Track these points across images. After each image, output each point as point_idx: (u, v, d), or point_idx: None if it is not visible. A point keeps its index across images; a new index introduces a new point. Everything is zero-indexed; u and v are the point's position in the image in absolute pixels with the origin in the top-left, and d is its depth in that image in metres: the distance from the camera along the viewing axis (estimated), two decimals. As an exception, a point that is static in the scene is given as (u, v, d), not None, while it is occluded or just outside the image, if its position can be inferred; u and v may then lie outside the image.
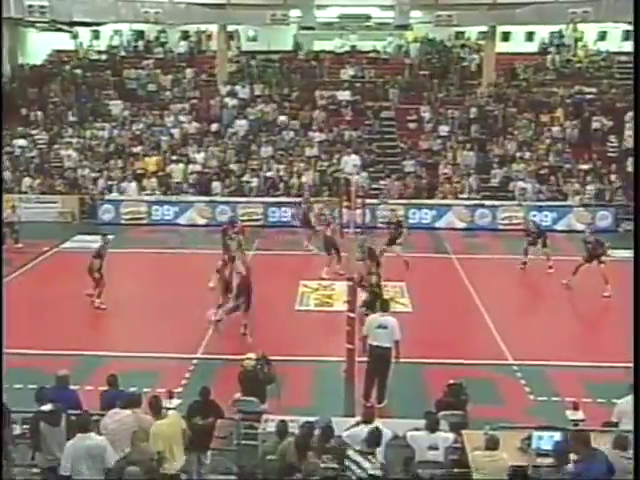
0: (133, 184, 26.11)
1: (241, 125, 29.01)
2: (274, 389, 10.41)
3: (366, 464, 7.83)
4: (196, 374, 12.73)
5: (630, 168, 26.41)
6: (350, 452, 8.00)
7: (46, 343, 13.76)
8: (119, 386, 9.46)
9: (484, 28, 31.29)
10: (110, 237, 17.13)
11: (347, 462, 7.88)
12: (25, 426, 8.72)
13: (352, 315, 12.49)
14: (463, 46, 34.11)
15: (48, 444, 8.24)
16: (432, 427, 8.62)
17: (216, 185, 26.16)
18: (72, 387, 9.58)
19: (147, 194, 25.99)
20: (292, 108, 30.21)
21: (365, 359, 11.87)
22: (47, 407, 8.40)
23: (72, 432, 8.00)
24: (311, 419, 8.59)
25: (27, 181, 26.41)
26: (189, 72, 32.53)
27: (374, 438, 8.12)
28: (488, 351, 13.97)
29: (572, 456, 7.90)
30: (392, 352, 11.54)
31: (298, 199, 24.22)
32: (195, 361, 13.46)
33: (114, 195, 25.91)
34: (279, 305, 16.38)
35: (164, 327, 15.04)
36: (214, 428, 9.02)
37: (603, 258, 17.52)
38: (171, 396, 10.02)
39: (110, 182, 26.32)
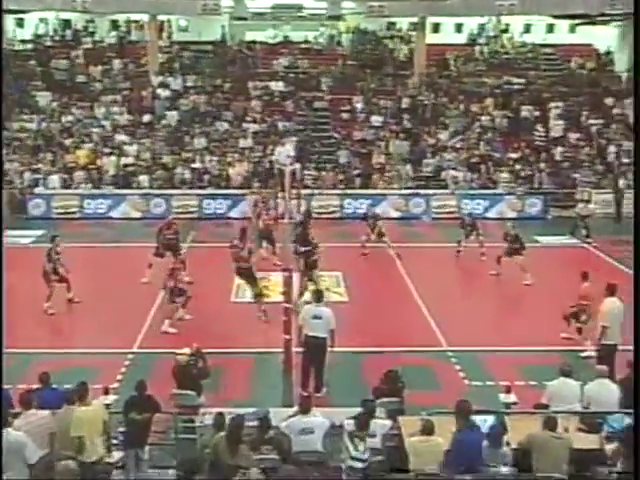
0: (55, 177, 25.53)
1: (172, 116, 28.69)
2: (210, 383, 10.37)
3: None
4: (132, 369, 12.58)
5: (558, 157, 27.20)
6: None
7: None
8: (51, 384, 9.29)
9: (415, 19, 31.63)
10: (57, 238, 16.54)
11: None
12: None
13: (288, 306, 12.53)
14: (394, 37, 34.44)
15: None
16: (369, 415, 8.72)
17: (145, 178, 25.81)
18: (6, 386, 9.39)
19: (77, 188, 25.46)
20: (225, 99, 30.00)
21: (302, 349, 11.95)
22: None
23: None
24: (241, 412, 8.60)
25: (-49, 175, 25.57)
26: (119, 63, 31.93)
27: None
28: (424, 338, 14.20)
29: (505, 438, 8.15)
30: (327, 341, 11.63)
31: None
32: (131, 356, 13.30)
33: (41, 189, 25.26)
34: (215, 297, 16.30)
35: (98, 322, 14.82)
36: (151, 423, 8.94)
37: (521, 252, 17.71)
38: (107, 392, 9.89)
39: (36, 175, 25.68)
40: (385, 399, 9.64)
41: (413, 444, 8.11)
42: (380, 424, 8.78)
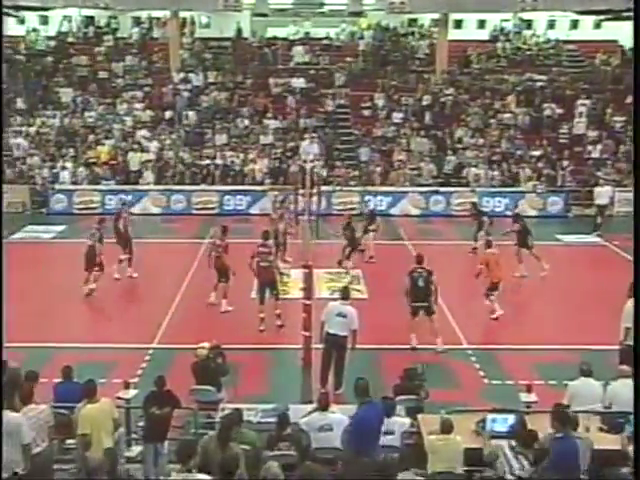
0: (66, 172, 25.73)
1: (193, 112, 28.76)
2: (229, 379, 10.39)
3: None
4: (152, 364, 12.66)
5: (580, 154, 26.98)
6: None
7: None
8: (73, 378, 9.36)
9: (437, 15, 31.49)
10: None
11: None
12: None
13: (308, 302, 12.53)
14: (416, 33, 34.29)
15: None
16: (389, 412, 8.71)
17: (168, 173, 25.92)
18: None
19: (98, 183, 25.66)
20: (246, 95, 30.04)
21: (320, 346, 11.95)
22: None
23: None
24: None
25: (-26, 171, 25.83)
26: (141, 59, 32.11)
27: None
28: (443, 336, 14.13)
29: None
30: (348, 340, 11.61)
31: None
32: (151, 351, 13.37)
33: (63, 185, 25.46)
34: (236, 293, 16.32)
35: (120, 317, 14.92)
36: (171, 418, 8.98)
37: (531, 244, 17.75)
38: (127, 386, 9.94)
39: (56, 171, 25.89)
40: (404, 397, 9.61)
41: (432, 442, 8.08)
42: (399, 422, 8.78)
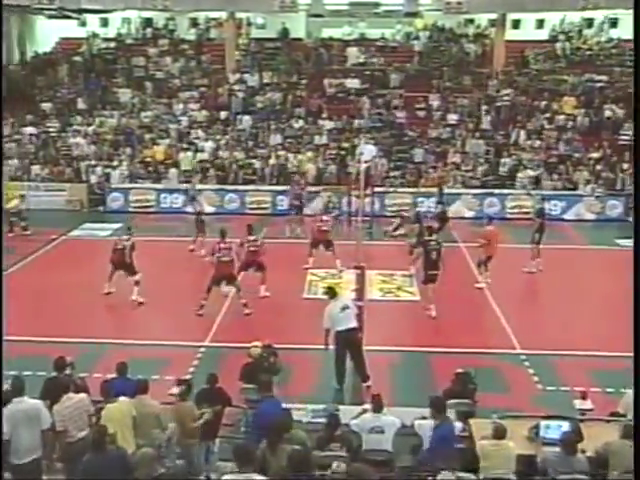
0: (117, 172, 26.12)
1: (248, 113, 28.95)
2: (280, 378, 10.40)
3: None
4: (204, 362, 12.76)
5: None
6: None
7: (54, 330, 13.81)
8: (127, 374, 9.48)
9: (494, 15, 31.08)
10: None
11: None
12: None
13: (360, 303, 12.49)
14: (472, 34, 33.85)
15: None
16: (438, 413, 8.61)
17: (219, 173, 26.16)
18: (82, 375, 9.64)
19: (154, 182, 26.04)
20: (300, 96, 30.12)
21: (371, 348, 11.92)
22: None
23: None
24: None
25: (35, 169, 26.45)
26: (198, 60, 32.48)
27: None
28: (496, 340, 13.96)
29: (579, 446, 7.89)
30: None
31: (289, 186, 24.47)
32: (203, 349, 13.49)
33: (119, 183, 25.93)
34: (287, 293, 16.39)
35: (172, 315, 15.08)
36: (222, 416, 9.03)
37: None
38: (179, 384, 10.02)
39: (108, 170, 26.32)
40: (456, 400, 9.50)
41: (484, 447, 7.96)
42: (450, 426, 8.67)
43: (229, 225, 22.05)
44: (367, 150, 25.72)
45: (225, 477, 6.91)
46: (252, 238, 16.26)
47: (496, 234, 17.33)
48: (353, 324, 11.71)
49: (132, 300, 15.73)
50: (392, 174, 26.08)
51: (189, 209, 22.31)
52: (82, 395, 8.52)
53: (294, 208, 22.91)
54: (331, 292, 12.26)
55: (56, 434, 8.15)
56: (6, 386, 8.80)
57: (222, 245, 15.22)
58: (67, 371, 9.27)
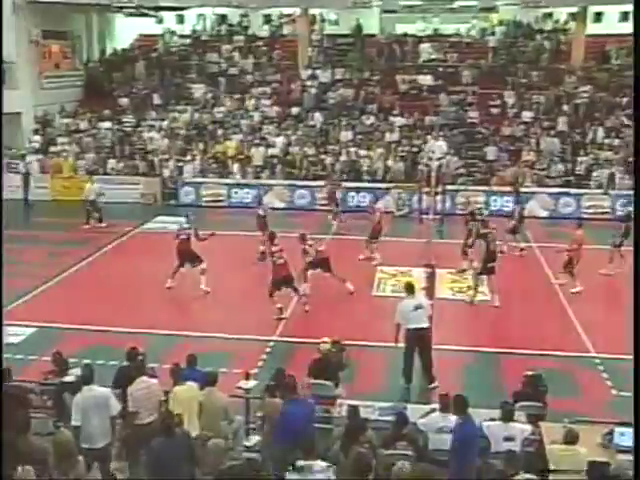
0: (188, 166, 26.44)
1: (319, 114, 28.96)
2: (347, 374, 10.39)
3: None
4: (272, 356, 12.85)
5: None
6: None
7: (126, 321, 14.12)
8: (196, 366, 9.61)
9: (575, 9, 30.21)
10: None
11: None
12: (45, 397, 9.04)
13: (430, 302, 12.37)
14: (551, 29, 33.05)
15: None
16: (507, 418, 8.46)
17: (294, 169, 26.29)
18: (152, 365, 9.83)
19: (226, 177, 26.33)
20: (373, 92, 30.00)
21: (440, 347, 11.79)
22: (69, 378, 8.90)
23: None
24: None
25: (111, 163, 27.08)
26: (271, 56, 32.72)
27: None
28: (569, 342, 13.63)
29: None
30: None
31: (323, 182, 24.61)
32: (272, 343, 13.57)
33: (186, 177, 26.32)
34: (356, 290, 16.35)
35: (242, 309, 15.22)
36: (288, 410, 9.05)
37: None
38: (247, 377, 10.10)
39: (179, 164, 26.70)
40: (526, 403, 9.31)
41: (554, 452, 7.78)
42: (520, 428, 8.51)
43: (299, 221, 22.31)
44: (437, 147, 25.55)
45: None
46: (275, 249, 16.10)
47: (584, 237, 17.12)
48: (424, 324, 11.63)
49: (202, 289, 15.97)
50: (463, 172, 25.70)
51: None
52: (154, 380, 8.78)
53: (330, 205, 23.26)
54: (409, 288, 12.18)
55: (129, 415, 8.42)
56: (75, 374, 9.10)
57: (274, 248, 15.02)
58: (138, 361, 9.47)
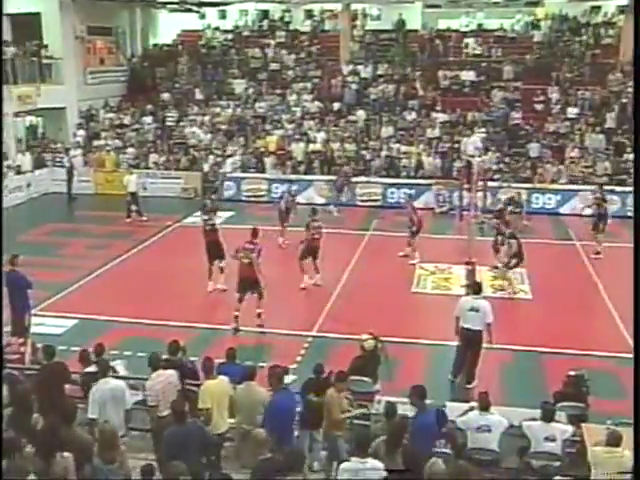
0: (229, 160, 26.52)
1: (360, 110, 28.86)
2: (385, 371, 10.33)
3: None
4: (311, 351, 12.85)
5: None
6: None
7: (166, 314, 14.23)
8: (236, 359, 9.65)
9: (624, 1, 29.57)
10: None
11: None
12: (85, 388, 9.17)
13: (488, 306, 12.23)
14: (599, 23, 32.39)
15: None
16: (548, 418, 8.34)
17: (333, 165, 26.25)
18: (192, 359, 9.88)
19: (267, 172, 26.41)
20: (414, 88, 29.80)
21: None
22: (91, 368, 8.99)
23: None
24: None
25: (153, 157, 27.33)
26: (312, 51, 32.71)
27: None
28: (612, 342, 13.37)
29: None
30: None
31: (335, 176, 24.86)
32: (310, 339, 13.58)
33: (233, 172, 26.38)
34: (396, 287, 16.29)
35: (281, 303, 15.24)
36: (327, 406, 9.03)
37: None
38: (286, 372, 10.09)
39: (218, 159, 26.78)
40: (567, 403, 9.17)
41: (597, 454, 7.64)
42: (561, 429, 8.40)
43: (340, 216, 22.33)
44: (471, 143, 25.29)
45: (344, 465, 6.96)
46: (317, 224, 16.26)
47: None
48: (477, 327, 11.52)
49: (216, 289, 15.83)
50: (505, 168, 25.38)
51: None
52: (171, 371, 8.84)
53: (339, 198, 23.60)
54: (473, 288, 12.20)
55: (150, 409, 8.58)
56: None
57: (247, 245, 14.10)
58: (179, 355, 9.54)
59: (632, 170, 24.69)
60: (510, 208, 20.31)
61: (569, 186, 24.36)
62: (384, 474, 6.78)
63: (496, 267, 17.29)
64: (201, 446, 7.45)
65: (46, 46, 28.00)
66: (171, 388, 8.66)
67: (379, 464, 6.81)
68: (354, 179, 25.02)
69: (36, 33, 27.88)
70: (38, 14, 27.85)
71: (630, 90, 27.79)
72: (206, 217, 16.67)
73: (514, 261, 16.04)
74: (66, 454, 6.56)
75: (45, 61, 27.89)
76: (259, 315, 13.93)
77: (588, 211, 22.01)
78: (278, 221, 19.80)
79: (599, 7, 32.54)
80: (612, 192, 23.70)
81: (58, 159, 27.09)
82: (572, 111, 27.68)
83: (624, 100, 27.55)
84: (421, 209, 21.56)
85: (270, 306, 15.00)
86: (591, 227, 19.45)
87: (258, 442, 7.16)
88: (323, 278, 16.39)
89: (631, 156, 25.24)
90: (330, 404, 8.63)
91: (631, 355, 12.89)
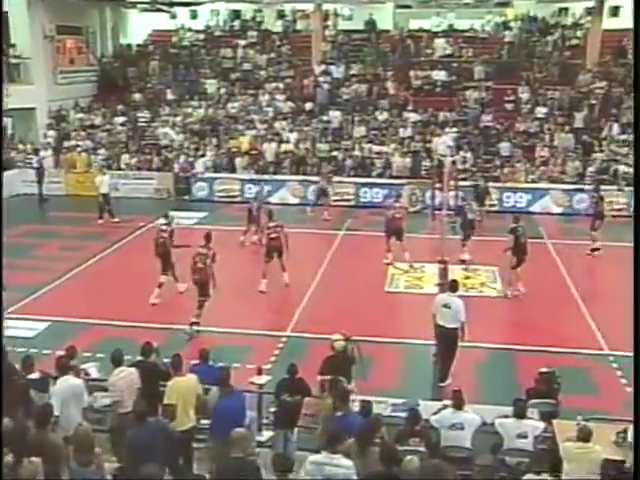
0: (201, 160, 26.41)
1: (332, 106, 28.93)
2: (359, 370, 10.37)
3: None
4: (285, 352, 12.85)
5: None
6: None
7: (140, 316, 14.16)
8: (209, 360, 9.63)
9: (591, 3, 29.86)
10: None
11: None
12: None
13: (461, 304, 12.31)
14: (566, 24, 32.79)
15: None
16: (520, 415, 8.43)
17: (307, 166, 26.27)
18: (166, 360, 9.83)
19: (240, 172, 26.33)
20: (386, 88, 29.90)
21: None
22: (35, 375, 8.90)
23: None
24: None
25: (125, 158, 27.13)
26: (284, 51, 32.68)
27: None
28: (582, 339, 13.55)
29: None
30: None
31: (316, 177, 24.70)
32: (284, 339, 13.58)
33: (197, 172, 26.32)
34: (369, 286, 16.34)
35: (255, 304, 15.23)
36: (302, 406, 9.06)
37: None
38: (260, 372, 10.12)
39: (191, 159, 26.63)
40: (539, 400, 9.27)
41: (568, 449, 7.73)
42: (533, 425, 8.49)
43: (315, 216, 22.38)
44: (442, 143, 25.47)
45: (312, 457, 6.97)
46: (273, 224, 16.28)
47: None
48: (448, 324, 11.58)
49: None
50: (475, 168, 25.55)
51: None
52: (132, 369, 8.88)
53: (319, 199, 23.54)
54: (450, 285, 12.20)
55: (114, 405, 8.66)
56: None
57: (200, 249, 14.16)
58: (153, 356, 9.48)
59: (610, 170, 25.01)
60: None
61: (540, 185, 24.58)
62: (353, 473, 6.80)
63: (463, 261, 17.45)
64: (164, 444, 7.41)
65: (14, 45, 27.70)
66: (132, 385, 8.68)
67: (348, 462, 6.83)
68: (359, 180, 25.10)
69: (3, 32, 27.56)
70: (5, 13, 27.50)
71: (598, 91, 28.19)
72: (164, 228, 16.09)
73: (515, 259, 15.93)
74: (34, 459, 6.49)
75: (13, 61, 27.59)
76: (191, 324, 13.78)
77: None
78: (246, 220, 19.84)
79: (567, 9, 32.94)
80: (581, 191, 24.00)
81: (28, 160, 26.80)
82: (541, 111, 27.95)
83: (593, 101, 27.91)
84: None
85: (244, 306, 15.02)
86: (589, 225, 19.51)
87: (243, 438, 7.14)
88: (297, 278, 16.39)
89: (599, 155, 25.57)
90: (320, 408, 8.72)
91: (603, 352, 13.15)
